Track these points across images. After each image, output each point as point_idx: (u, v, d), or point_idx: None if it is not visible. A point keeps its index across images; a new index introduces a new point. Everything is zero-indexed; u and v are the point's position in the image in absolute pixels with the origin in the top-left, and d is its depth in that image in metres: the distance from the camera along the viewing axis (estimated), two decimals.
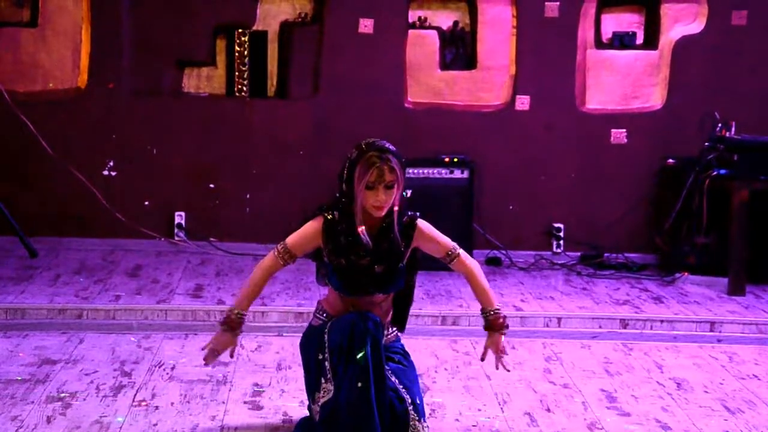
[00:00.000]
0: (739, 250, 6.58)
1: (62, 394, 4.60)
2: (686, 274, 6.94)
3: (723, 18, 7.46)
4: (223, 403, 4.58)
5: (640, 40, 7.69)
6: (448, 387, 4.92)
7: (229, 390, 4.75)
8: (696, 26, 7.52)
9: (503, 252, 7.36)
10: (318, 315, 4.10)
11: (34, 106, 7.20)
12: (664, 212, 7.11)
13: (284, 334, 5.65)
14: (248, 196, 7.44)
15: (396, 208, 3.90)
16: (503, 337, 4.10)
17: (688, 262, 6.97)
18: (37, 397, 4.56)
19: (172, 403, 4.55)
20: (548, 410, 4.65)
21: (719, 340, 5.87)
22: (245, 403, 4.60)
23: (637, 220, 7.45)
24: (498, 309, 4.10)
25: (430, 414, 4.55)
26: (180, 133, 7.40)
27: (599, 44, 7.63)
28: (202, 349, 4.13)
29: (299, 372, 4.93)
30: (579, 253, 7.42)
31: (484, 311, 4.11)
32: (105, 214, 7.23)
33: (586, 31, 7.56)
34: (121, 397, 4.60)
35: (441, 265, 6.69)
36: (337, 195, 3.96)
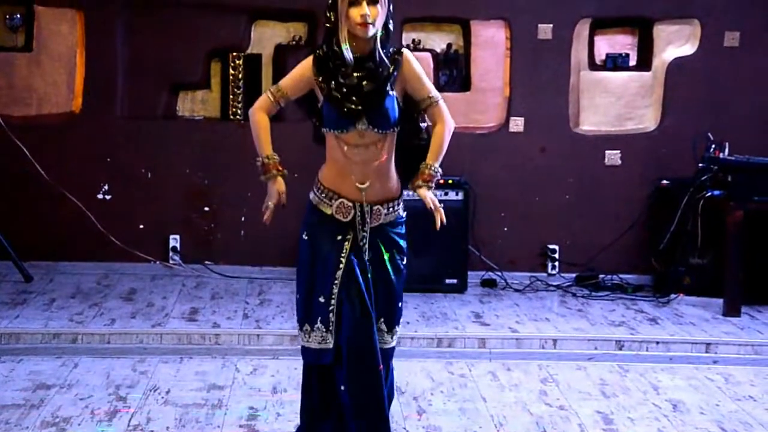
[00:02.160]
0: (734, 271, 6.58)
1: (57, 419, 4.59)
2: (681, 295, 6.94)
3: (716, 39, 7.48)
4: (219, 427, 4.57)
5: (633, 61, 7.72)
6: (444, 409, 4.91)
7: (225, 414, 4.74)
8: (689, 48, 7.54)
9: (498, 273, 7.35)
10: (317, 191, 4.18)
11: (28, 131, 7.19)
12: (659, 233, 7.11)
13: (279, 357, 5.64)
14: (243, 219, 7.44)
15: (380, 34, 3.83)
16: (430, 190, 3.94)
17: (683, 283, 6.98)
18: (32, 422, 4.54)
19: (168, 428, 4.54)
20: None
21: (715, 362, 5.87)
22: (240, 426, 4.59)
23: (631, 241, 7.44)
24: (438, 169, 3.96)
25: None
26: (175, 157, 7.40)
27: (593, 66, 7.65)
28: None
29: (295, 395, 4.93)
30: (574, 275, 7.41)
31: (424, 164, 3.95)
32: (100, 237, 7.22)
33: (579, 53, 7.58)
34: (116, 421, 4.59)
35: (436, 287, 6.69)
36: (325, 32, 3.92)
